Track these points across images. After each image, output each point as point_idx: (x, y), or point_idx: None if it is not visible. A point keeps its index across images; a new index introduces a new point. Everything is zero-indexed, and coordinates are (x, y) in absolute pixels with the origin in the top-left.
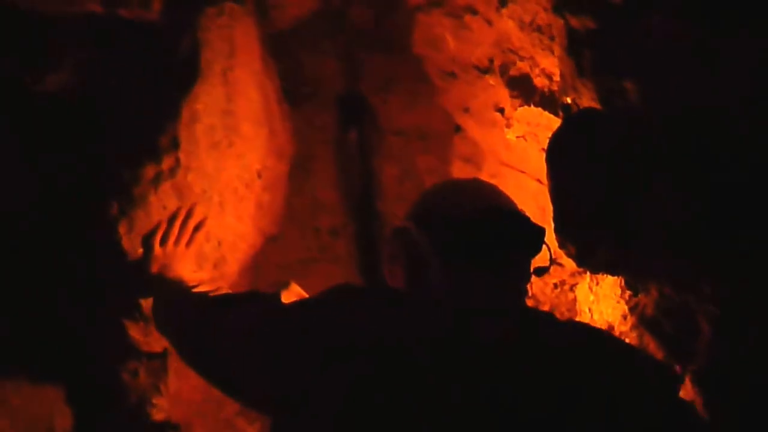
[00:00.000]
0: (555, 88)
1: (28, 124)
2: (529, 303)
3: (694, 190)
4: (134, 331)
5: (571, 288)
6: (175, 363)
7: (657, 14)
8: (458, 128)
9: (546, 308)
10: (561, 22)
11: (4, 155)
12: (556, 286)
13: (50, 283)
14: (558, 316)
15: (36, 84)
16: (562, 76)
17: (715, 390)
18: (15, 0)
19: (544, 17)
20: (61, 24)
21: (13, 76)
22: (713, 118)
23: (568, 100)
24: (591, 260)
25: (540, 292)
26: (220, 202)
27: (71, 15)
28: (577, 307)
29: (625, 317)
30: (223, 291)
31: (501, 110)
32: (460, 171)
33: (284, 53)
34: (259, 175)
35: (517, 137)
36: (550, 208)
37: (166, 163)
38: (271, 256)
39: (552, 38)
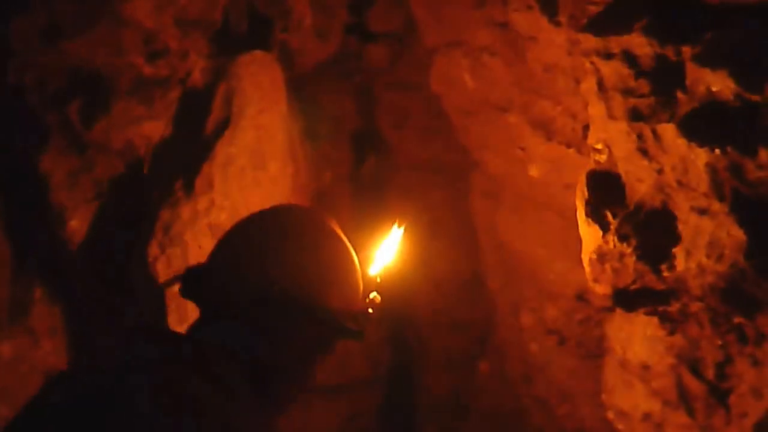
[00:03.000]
0: (578, 126)
1: (78, 168)
2: (554, 338)
3: (738, 231)
4: None
5: (598, 324)
6: None
7: (690, 63)
8: (476, 163)
9: (572, 344)
10: (589, 66)
11: (55, 196)
12: (582, 321)
13: (92, 321)
14: (585, 353)
15: (87, 130)
16: (591, 119)
17: None
18: (69, 52)
19: (568, 60)
20: (107, 75)
21: (68, 122)
22: (751, 160)
23: (599, 145)
24: (627, 299)
25: (565, 327)
26: None
27: (116, 67)
28: (607, 345)
29: (662, 357)
30: None
31: (522, 147)
32: (478, 204)
33: (305, 94)
34: None
35: (540, 174)
36: (573, 243)
37: (202, 203)
38: None
39: (577, 80)
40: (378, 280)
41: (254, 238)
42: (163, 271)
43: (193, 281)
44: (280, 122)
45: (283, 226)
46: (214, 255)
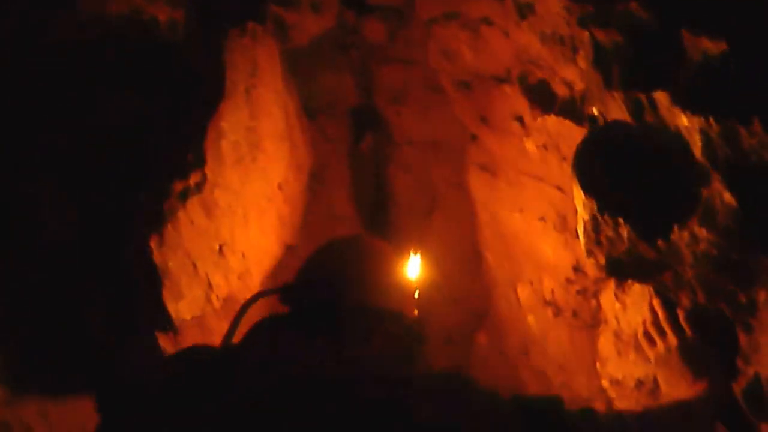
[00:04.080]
0: (576, 96)
1: (66, 145)
2: (551, 310)
3: (731, 198)
4: (164, 342)
5: (594, 295)
6: None
7: (686, 31)
8: (474, 137)
9: (568, 315)
10: (586, 35)
11: (46, 175)
12: (578, 293)
13: (85, 296)
14: (581, 324)
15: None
16: (588, 88)
17: (758, 405)
18: (53, 29)
19: (566, 29)
20: (95, 51)
21: (56, 102)
22: (745, 128)
23: (595, 112)
24: (620, 268)
25: (562, 299)
26: (244, 215)
27: (106, 42)
28: (602, 315)
29: (656, 327)
30: None
31: (520, 119)
32: (476, 179)
33: (301, 69)
34: (281, 189)
35: (537, 146)
36: (571, 216)
37: (193, 179)
38: (288, 266)
39: (574, 50)
40: (416, 296)
41: (334, 263)
42: (156, 248)
43: (288, 294)
44: (275, 98)
45: (355, 252)
46: (301, 274)
